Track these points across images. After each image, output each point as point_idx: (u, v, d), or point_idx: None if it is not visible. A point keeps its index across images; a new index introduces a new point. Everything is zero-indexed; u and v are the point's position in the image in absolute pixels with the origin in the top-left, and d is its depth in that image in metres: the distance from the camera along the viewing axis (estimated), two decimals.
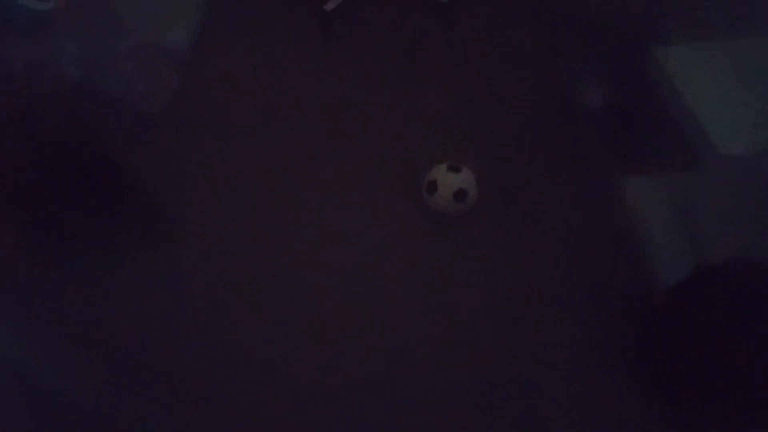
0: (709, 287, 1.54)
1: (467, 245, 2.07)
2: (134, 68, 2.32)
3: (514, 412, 1.70)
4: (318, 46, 2.73)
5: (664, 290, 1.73)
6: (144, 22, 2.39)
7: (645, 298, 1.82)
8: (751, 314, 1.45)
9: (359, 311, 1.90)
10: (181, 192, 2.18)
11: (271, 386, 1.75)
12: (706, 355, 1.49)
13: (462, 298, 1.93)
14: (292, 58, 2.69)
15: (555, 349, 1.82)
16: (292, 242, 2.06)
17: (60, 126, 2.05)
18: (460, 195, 2.05)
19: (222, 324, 1.87)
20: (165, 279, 1.95)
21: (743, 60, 1.66)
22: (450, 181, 2.07)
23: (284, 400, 1.73)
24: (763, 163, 1.45)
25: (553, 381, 1.75)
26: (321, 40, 2.77)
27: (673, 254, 1.82)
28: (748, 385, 1.46)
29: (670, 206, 1.97)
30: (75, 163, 2.04)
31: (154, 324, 1.87)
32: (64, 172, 2.03)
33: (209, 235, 2.07)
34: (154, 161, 2.23)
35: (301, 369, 1.78)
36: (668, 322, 1.61)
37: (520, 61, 2.65)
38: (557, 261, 2.01)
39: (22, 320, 1.83)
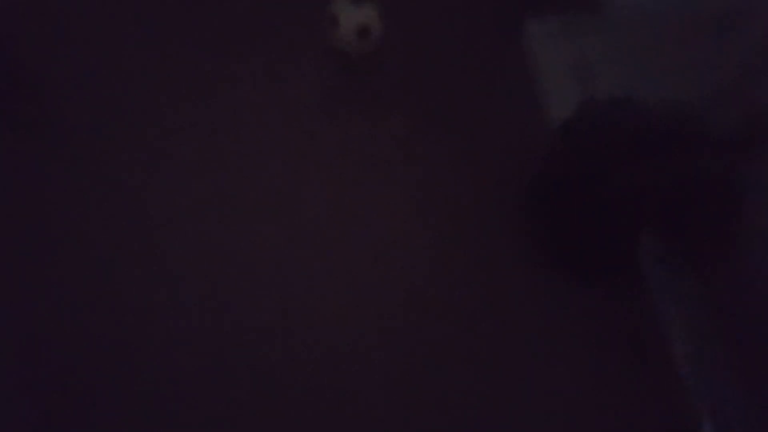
0: (592, 123, 1.61)
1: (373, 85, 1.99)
2: None
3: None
4: None
5: (554, 127, 1.80)
6: None
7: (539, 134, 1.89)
8: (626, 150, 1.54)
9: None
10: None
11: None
12: (588, 189, 1.58)
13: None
14: None
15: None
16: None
17: None
18: (363, 32, 1.90)
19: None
20: None
21: None
22: (351, 14, 1.90)
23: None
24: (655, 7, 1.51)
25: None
26: None
27: (565, 94, 1.87)
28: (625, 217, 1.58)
29: (566, 48, 1.97)
30: None
31: None
32: None
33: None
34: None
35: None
36: (556, 156, 1.69)
37: None
38: (459, 106, 1.99)
39: None
